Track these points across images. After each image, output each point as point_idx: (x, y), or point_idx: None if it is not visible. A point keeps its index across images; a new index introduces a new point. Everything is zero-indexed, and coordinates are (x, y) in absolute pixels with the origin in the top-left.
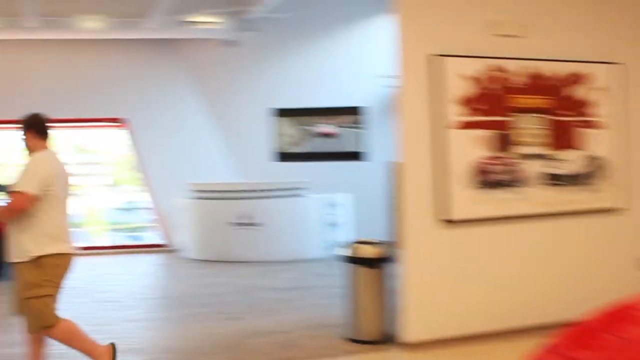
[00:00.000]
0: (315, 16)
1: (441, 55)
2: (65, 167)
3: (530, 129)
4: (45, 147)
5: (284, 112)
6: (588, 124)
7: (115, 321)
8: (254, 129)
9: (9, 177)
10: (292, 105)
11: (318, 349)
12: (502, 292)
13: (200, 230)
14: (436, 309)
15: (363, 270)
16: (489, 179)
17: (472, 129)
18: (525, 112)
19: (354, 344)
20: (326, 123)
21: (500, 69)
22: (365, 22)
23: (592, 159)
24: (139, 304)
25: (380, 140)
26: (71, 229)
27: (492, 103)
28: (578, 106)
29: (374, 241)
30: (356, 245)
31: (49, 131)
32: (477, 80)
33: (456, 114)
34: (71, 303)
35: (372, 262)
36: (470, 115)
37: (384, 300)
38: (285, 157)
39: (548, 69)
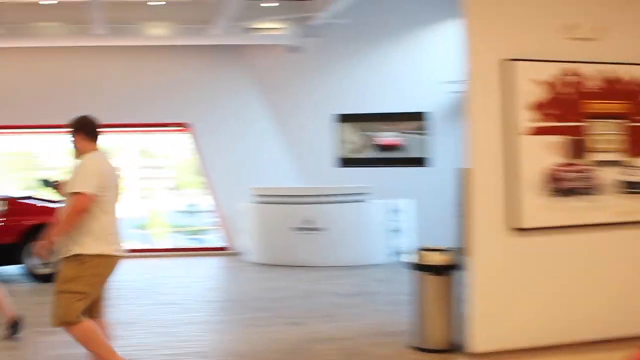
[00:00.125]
0: (378, 22)
1: (513, 60)
2: (115, 169)
3: (605, 134)
4: (95, 149)
5: (346, 118)
6: None
7: (178, 324)
8: (317, 134)
9: (54, 174)
10: (355, 111)
11: (384, 357)
12: (573, 303)
13: (263, 234)
14: (504, 318)
15: (430, 278)
16: (562, 186)
17: (544, 135)
18: (601, 117)
19: (421, 353)
20: (389, 129)
21: (575, 73)
22: (427, 27)
23: None
24: (201, 307)
25: (443, 146)
26: (119, 231)
27: (565, 108)
28: None
29: (440, 248)
30: (423, 252)
31: (98, 133)
32: (550, 85)
33: (528, 119)
34: (134, 305)
35: (440, 270)
36: (543, 120)
37: (451, 308)
38: (348, 162)
39: (626, 72)
